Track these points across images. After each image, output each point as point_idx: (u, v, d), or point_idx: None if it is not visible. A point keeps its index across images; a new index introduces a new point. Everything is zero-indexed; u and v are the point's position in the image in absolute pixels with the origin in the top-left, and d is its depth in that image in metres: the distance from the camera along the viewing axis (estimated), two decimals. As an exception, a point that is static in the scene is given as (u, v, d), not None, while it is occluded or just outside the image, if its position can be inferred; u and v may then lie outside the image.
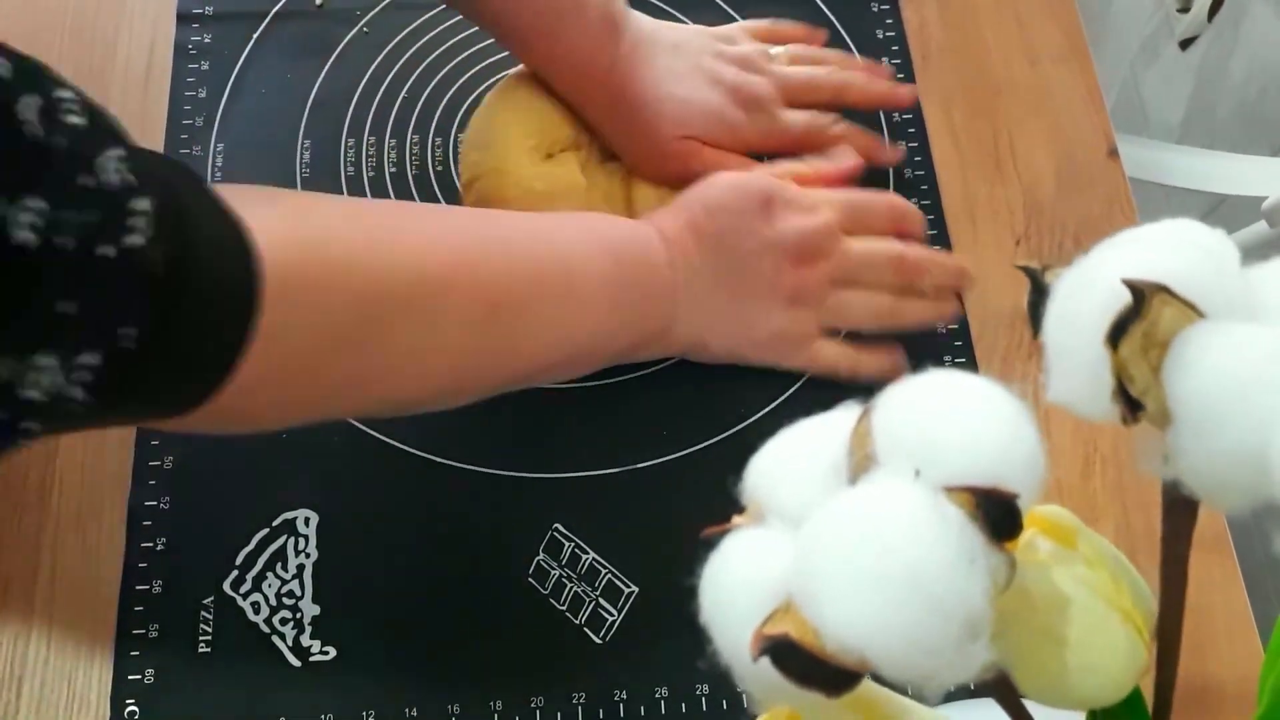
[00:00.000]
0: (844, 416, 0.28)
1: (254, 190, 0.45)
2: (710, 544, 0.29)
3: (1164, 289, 0.25)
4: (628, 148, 0.64)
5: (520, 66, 0.65)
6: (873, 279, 0.61)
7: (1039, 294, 0.28)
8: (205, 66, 0.70)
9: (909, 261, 0.61)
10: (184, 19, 0.71)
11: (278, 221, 0.42)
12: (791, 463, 0.29)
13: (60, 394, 0.34)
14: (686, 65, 0.63)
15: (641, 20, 0.63)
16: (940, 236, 0.67)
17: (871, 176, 0.68)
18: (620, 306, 0.56)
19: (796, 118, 0.65)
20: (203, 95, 0.69)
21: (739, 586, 0.27)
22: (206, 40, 0.71)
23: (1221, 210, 1.17)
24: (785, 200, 0.59)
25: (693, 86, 0.63)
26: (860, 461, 0.27)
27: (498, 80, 0.67)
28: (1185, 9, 1.29)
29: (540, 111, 0.63)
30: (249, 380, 0.41)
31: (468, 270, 0.49)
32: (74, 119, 0.34)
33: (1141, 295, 0.25)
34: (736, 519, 0.29)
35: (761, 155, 0.65)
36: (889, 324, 0.62)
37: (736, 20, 0.72)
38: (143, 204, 0.35)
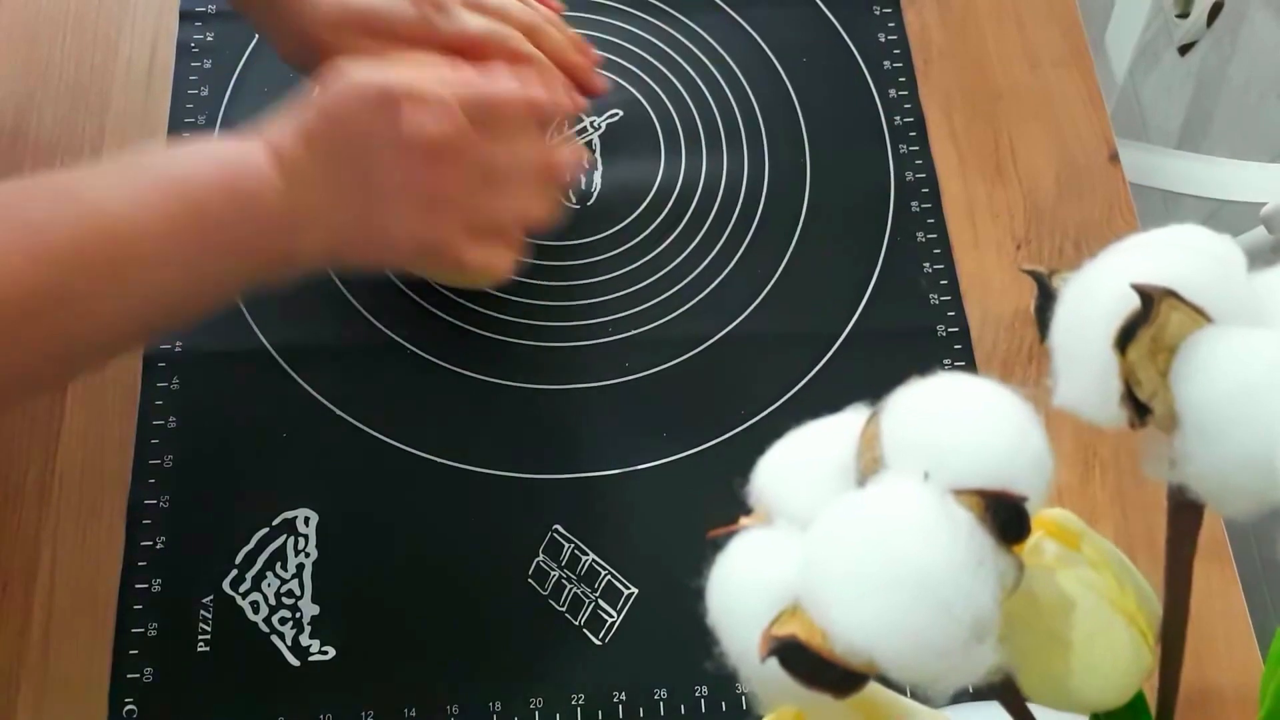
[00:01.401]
0: (853, 418, 0.28)
1: None
2: (716, 545, 0.29)
3: (1172, 294, 0.25)
4: (294, 50, 0.60)
5: None
6: (518, 179, 0.56)
7: (1046, 298, 0.28)
8: (208, 65, 0.70)
9: (552, 163, 0.57)
10: (187, 17, 0.71)
11: None
12: (800, 464, 0.29)
13: None
14: None
15: None
16: (941, 240, 0.67)
17: (872, 175, 0.69)
18: (207, 252, 0.51)
19: (475, 22, 0.60)
20: (205, 94, 0.69)
21: (746, 588, 0.28)
22: (209, 38, 0.71)
23: (1220, 216, 1.17)
24: (409, 96, 0.53)
25: None
26: (869, 463, 0.27)
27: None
28: (1184, 14, 1.29)
29: None
30: None
31: None
32: None
33: (1150, 300, 0.25)
34: (744, 520, 0.29)
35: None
36: (543, 222, 0.57)
37: (739, 21, 0.72)
38: None
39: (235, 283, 0.54)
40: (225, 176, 0.52)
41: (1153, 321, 0.25)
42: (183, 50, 0.70)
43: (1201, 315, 0.25)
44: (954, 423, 0.27)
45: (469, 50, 0.59)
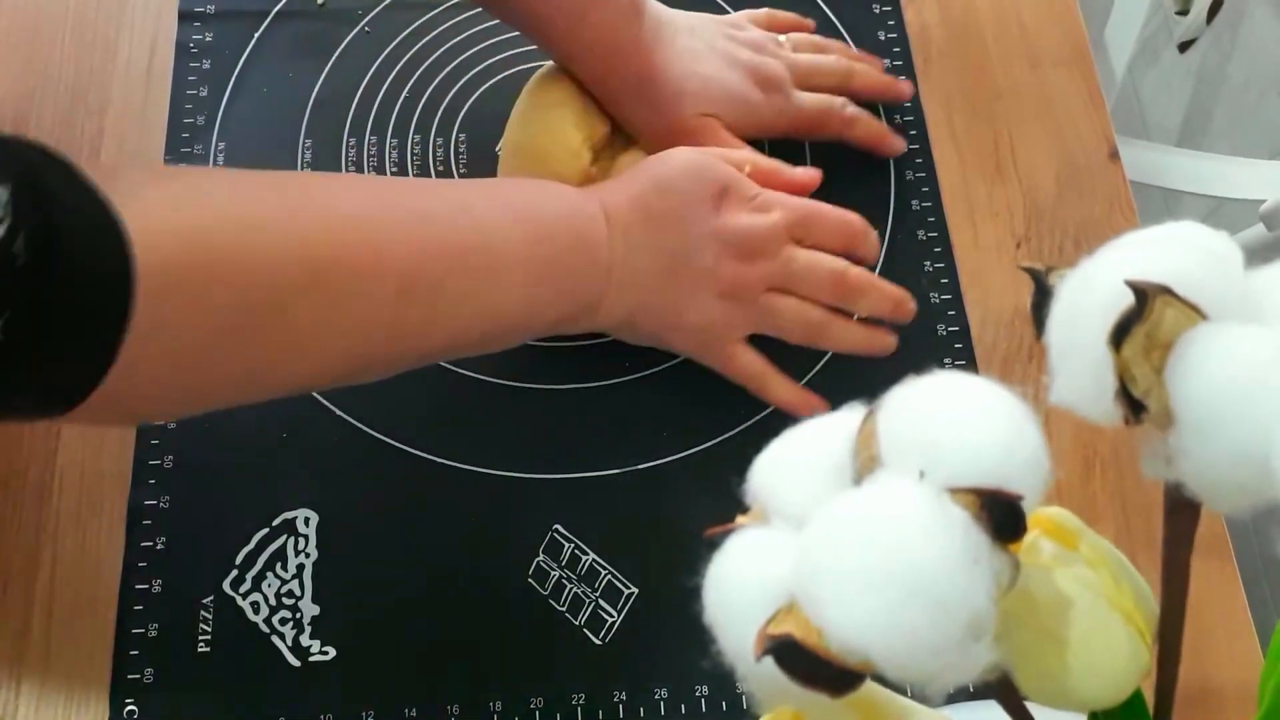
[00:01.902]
0: (849, 417, 0.28)
1: (142, 171, 0.44)
2: (713, 544, 0.29)
3: (1166, 290, 0.25)
4: (649, 127, 0.64)
5: (546, 65, 0.65)
6: (810, 291, 0.59)
7: (1042, 295, 0.28)
8: (207, 65, 0.70)
9: (849, 280, 0.60)
10: (185, 17, 0.71)
11: (158, 209, 0.41)
12: (796, 463, 0.29)
13: None
14: (705, 46, 0.64)
15: (658, 4, 0.64)
16: (941, 238, 0.67)
17: (873, 175, 0.69)
18: (545, 284, 0.54)
19: (810, 99, 0.66)
20: (204, 94, 0.69)
21: (743, 586, 0.28)
22: (208, 39, 0.71)
23: (1219, 213, 1.17)
24: (740, 193, 0.58)
25: (712, 65, 0.63)
26: (865, 462, 0.27)
27: (527, 79, 0.66)
28: (1184, 12, 1.29)
29: (583, 108, 0.63)
30: (130, 374, 0.39)
31: (373, 251, 0.47)
32: None
33: (1144, 296, 0.25)
34: (740, 519, 0.29)
35: (762, 143, 0.65)
36: (817, 341, 0.60)
37: (738, 22, 0.72)
38: (0, 194, 0.34)
39: (551, 320, 0.56)
40: (571, 217, 0.56)
41: (1147, 318, 0.25)
42: (182, 51, 0.70)
43: (1196, 312, 0.25)
44: (950, 421, 0.26)
45: (809, 126, 0.66)
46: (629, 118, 0.64)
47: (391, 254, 0.48)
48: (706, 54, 0.64)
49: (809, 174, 0.63)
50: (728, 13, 0.72)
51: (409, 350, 0.52)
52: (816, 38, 0.70)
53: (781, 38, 0.69)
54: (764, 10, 0.71)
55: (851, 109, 0.67)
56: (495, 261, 0.52)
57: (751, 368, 0.60)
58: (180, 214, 0.42)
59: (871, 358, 0.61)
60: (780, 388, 0.60)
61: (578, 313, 0.57)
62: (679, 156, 0.59)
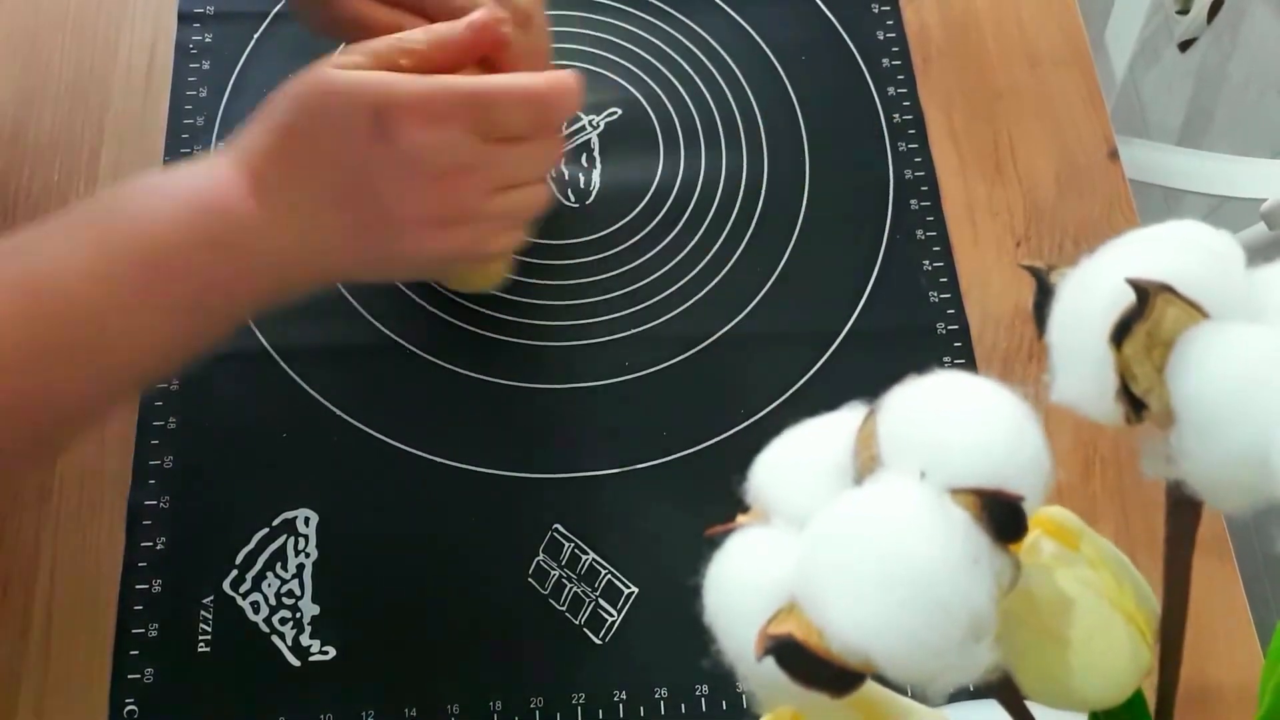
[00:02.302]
0: (849, 417, 0.28)
1: None
2: (714, 544, 0.29)
3: (1167, 288, 0.25)
4: (315, 20, 0.57)
5: None
6: (531, 173, 0.52)
7: (1044, 294, 0.28)
8: (206, 66, 0.70)
9: (561, 153, 0.53)
10: (185, 18, 0.71)
11: None
12: (797, 463, 0.29)
13: None
14: None
15: None
16: (941, 238, 0.67)
17: (871, 173, 0.69)
18: (190, 307, 0.48)
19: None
20: (204, 95, 0.69)
21: (743, 586, 0.27)
22: (208, 40, 0.71)
23: (1220, 212, 1.17)
24: (402, 110, 0.47)
25: None
26: (865, 462, 0.27)
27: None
28: (1184, 11, 1.29)
29: None
30: None
31: None
32: None
33: (1145, 294, 0.25)
34: (741, 518, 0.29)
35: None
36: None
37: (738, 20, 0.72)
38: None
39: (220, 325, 0.50)
40: (194, 220, 0.47)
41: (1148, 316, 0.25)
42: (181, 51, 0.70)
43: (1197, 310, 0.25)
44: (951, 421, 0.26)
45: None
46: (314, 23, 0.57)
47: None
48: None
49: (474, 25, 0.51)
50: (736, 19, 0.72)
51: (42, 447, 0.49)
52: None
53: None
54: None
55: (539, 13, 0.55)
56: (107, 331, 0.46)
57: (516, 235, 0.54)
58: None
59: (871, 357, 0.61)
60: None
61: (255, 304, 0.50)
62: (309, 86, 0.48)
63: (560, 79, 0.50)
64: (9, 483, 0.51)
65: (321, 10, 0.56)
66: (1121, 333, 0.25)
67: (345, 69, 0.48)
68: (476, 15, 0.51)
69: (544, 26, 0.57)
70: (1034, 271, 0.28)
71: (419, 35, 0.50)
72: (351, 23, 0.54)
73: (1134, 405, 0.26)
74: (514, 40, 0.52)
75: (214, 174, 0.48)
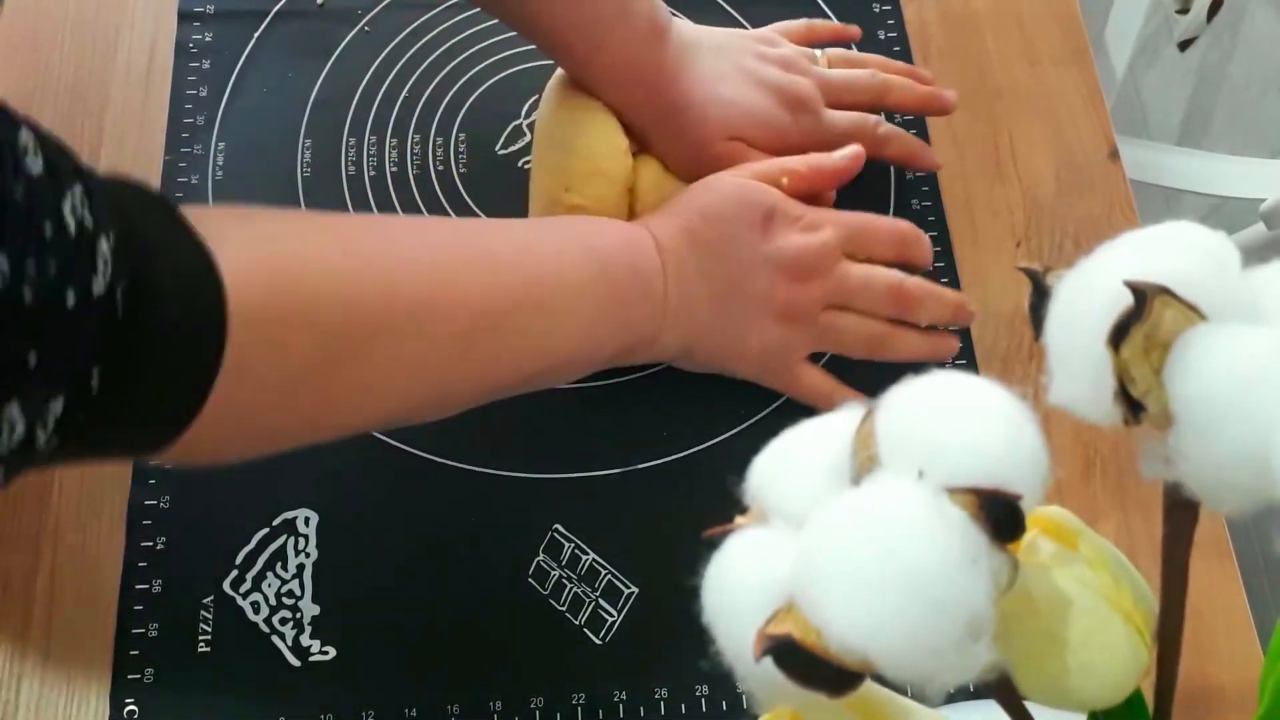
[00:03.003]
0: (847, 417, 0.28)
1: (224, 213, 0.44)
2: (712, 544, 0.29)
3: (1166, 291, 0.25)
4: (675, 152, 0.62)
5: (559, 73, 0.63)
6: (868, 306, 0.59)
7: (1040, 296, 0.28)
8: (206, 65, 0.70)
9: (906, 292, 0.59)
10: (185, 18, 0.71)
11: (245, 251, 0.42)
12: (795, 463, 0.29)
13: (29, 440, 0.34)
14: (730, 67, 0.62)
15: (684, 24, 0.63)
16: (941, 238, 0.67)
17: (872, 173, 0.68)
18: (605, 317, 0.55)
19: (841, 118, 0.64)
20: (204, 94, 0.69)
21: (741, 587, 0.28)
22: (208, 39, 0.71)
23: (1220, 212, 1.17)
24: (786, 215, 0.58)
25: (738, 88, 0.62)
26: (863, 462, 0.27)
27: (527, 79, 0.66)
28: (1184, 10, 1.29)
29: (613, 115, 0.62)
30: (217, 416, 0.40)
31: (444, 289, 0.48)
32: (33, 163, 0.33)
33: (1143, 297, 0.25)
34: (739, 519, 0.29)
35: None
36: (879, 354, 0.60)
37: (739, 21, 0.72)
38: (103, 246, 0.35)
39: (610, 353, 0.56)
40: (629, 251, 0.56)
41: (1146, 319, 0.25)
42: (181, 51, 0.70)
43: (1195, 312, 0.25)
44: (948, 421, 0.26)
45: (841, 146, 0.62)
46: (654, 143, 0.63)
47: (461, 294, 0.49)
48: (732, 75, 0.62)
49: (850, 156, 0.61)
50: (736, 19, 0.72)
51: (473, 388, 0.52)
52: (856, 54, 0.68)
53: (818, 53, 0.67)
54: (802, 22, 0.69)
55: (885, 127, 0.65)
56: (558, 297, 0.53)
57: (819, 387, 0.60)
58: (265, 259, 0.43)
59: (866, 358, 0.61)
60: (848, 397, 0.60)
61: (635, 345, 0.57)
62: (722, 183, 0.59)
63: (922, 234, 0.61)
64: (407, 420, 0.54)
65: (682, 149, 0.63)
66: (1119, 335, 0.25)
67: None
68: (856, 148, 0.61)
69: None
70: (1030, 273, 0.28)
71: (800, 161, 0.60)
72: (717, 161, 0.62)
73: (1132, 407, 0.26)
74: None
75: (634, 228, 0.58)
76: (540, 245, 0.54)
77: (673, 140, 0.62)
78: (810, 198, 0.60)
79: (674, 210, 0.58)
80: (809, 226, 0.58)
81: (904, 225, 0.61)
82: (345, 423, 0.49)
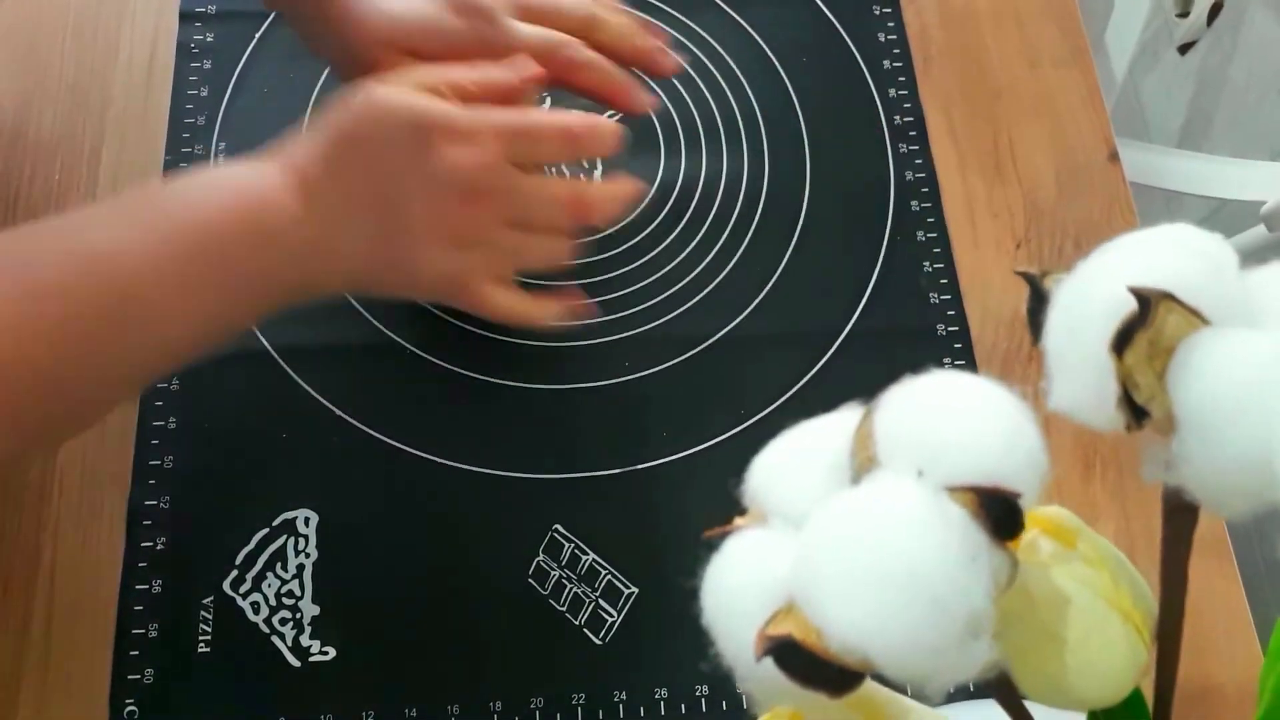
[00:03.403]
0: (846, 417, 0.28)
1: None
2: (712, 545, 0.29)
3: (1169, 296, 0.25)
4: (344, 68, 0.58)
5: None
6: (546, 220, 0.55)
7: (1038, 301, 0.28)
8: (208, 65, 0.70)
9: (585, 201, 0.55)
10: (186, 18, 0.71)
11: None
12: (794, 463, 0.29)
13: None
14: None
15: None
16: (941, 238, 0.67)
17: (872, 174, 0.69)
18: (224, 290, 0.50)
19: (527, 30, 0.57)
20: (205, 94, 0.69)
21: (741, 587, 0.28)
22: (209, 39, 0.71)
23: (1220, 214, 1.17)
24: (444, 129, 0.51)
25: None
26: (863, 462, 0.27)
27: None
28: (1184, 14, 1.29)
29: None
30: None
31: (13, 345, 0.44)
32: None
33: (1147, 302, 0.25)
34: (739, 520, 0.29)
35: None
36: (559, 263, 0.57)
37: (738, 21, 0.72)
38: None
39: (249, 314, 0.53)
40: (241, 208, 0.50)
41: (1150, 324, 0.25)
42: (182, 50, 0.70)
43: (1198, 317, 0.25)
44: (947, 420, 0.26)
45: None
46: (330, 61, 0.59)
47: (34, 348, 0.45)
48: None
49: (527, 72, 0.55)
50: (736, 20, 0.72)
51: (79, 414, 0.50)
52: None
53: None
54: None
55: (584, 53, 0.58)
56: (150, 306, 0.48)
57: (509, 308, 0.56)
58: None
59: (871, 358, 0.61)
60: (546, 310, 0.56)
61: (281, 299, 0.52)
62: (361, 99, 0.52)
63: (599, 122, 0.54)
64: (12, 468, 0.52)
65: (337, 53, 0.58)
66: (1123, 341, 0.25)
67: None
68: (527, 59, 0.55)
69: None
70: (1028, 278, 0.28)
71: (468, 73, 0.54)
72: (376, 67, 0.56)
73: (1135, 413, 0.26)
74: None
75: (262, 170, 0.52)
76: (119, 254, 0.48)
77: (339, 55, 0.58)
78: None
79: (313, 137, 0.52)
80: (470, 140, 0.51)
81: (571, 119, 0.55)
82: None
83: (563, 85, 0.58)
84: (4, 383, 0.44)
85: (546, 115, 0.56)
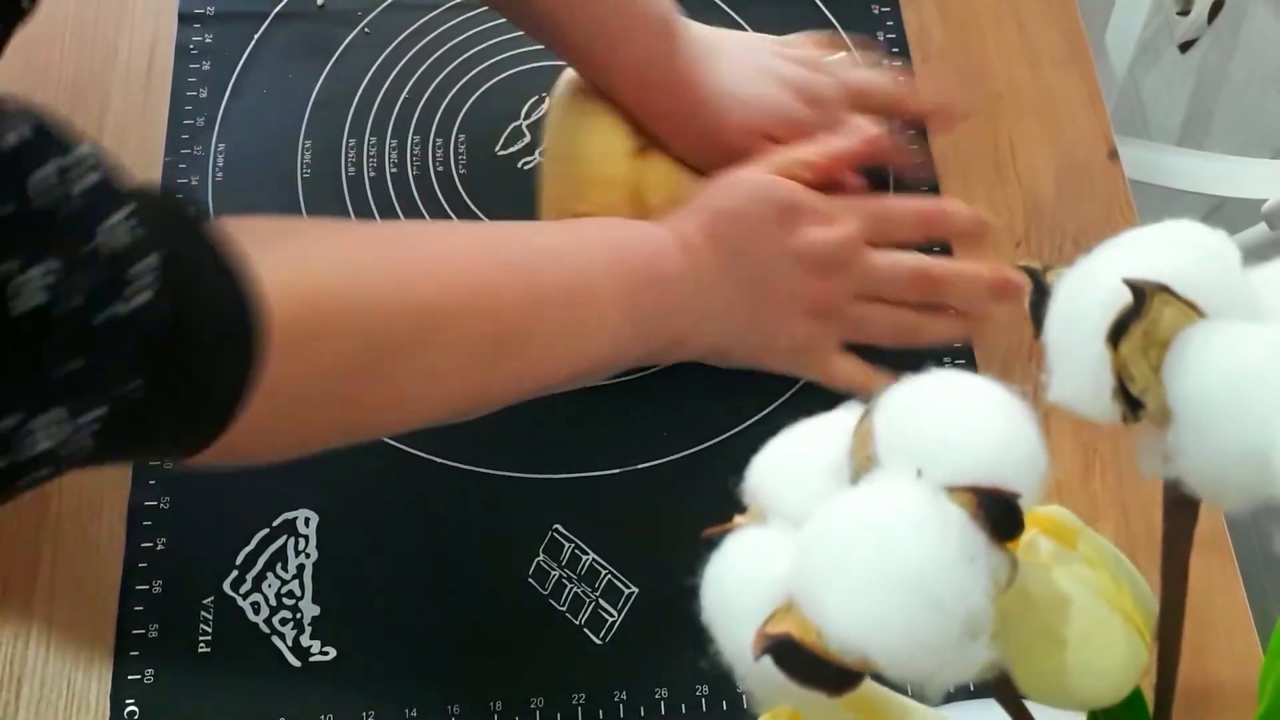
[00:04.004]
0: (846, 417, 0.29)
1: (263, 227, 0.46)
2: (712, 544, 0.29)
3: (1165, 288, 0.25)
4: (695, 151, 0.62)
5: (570, 72, 0.63)
6: (895, 294, 0.60)
7: (1040, 294, 0.28)
8: (206, 67, 0.70)
9: (932, 277, 0.60)
10: (185, 19, 0.71)
11: (283, 264, 0.43)
12: (793, 463, 0.29)
13: (69, 443, 0.35)
14: (749, 65, 0.63)
15: (698, 26, 0.63)
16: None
17: (872, 174, 0.68)
18: (633, 319, 0.54)
19: (862, 119, 0.63)
20: (204, 95, 0.69)
21: (741, 586, 0.28)
22: (208, 40, 0.71)
23: (1221, 212, 1.17)
24: (808, 209, 0.58)
25: (758, 85, 0.62)
26: (862, 461, 0.27)
27: (528, 80, 0.66)
28: (1185, 12, 1.29)
29: (620, 118, 0.62)
30: (252, 424, 0.42)
31: (474, 300, 0.49)
32: (88, 179, 0.35)
33: (1142, 295, 0.25)
34: (738, 519, 0.29)
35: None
36: (911, 341, 0.60)
37: (738, 22, 0.72)
38: (150, 260, 0.36)
39: (636, 356, 0.56)
40: (653, 257, 0.55)
41: (1145, 316, 0.25)
42: (181, 52, 0.70)
43: (1194, 310, 0.25)
44: (947, 419, 0.27)
45: None
46: (674, 144, 0.63)
47: (495, 304, 0.49)
48: (751, 73, 0.62)
49: (859, 132, 0.61)
50: (736, 19, 0.72)
51: (503, 393, 0.52)
52: (868, 62, 0.69)
53: (832, 56, 0.67)
54: (826, 33, 0.69)
55: (897, 137, 0.65)
56: (587, 305, 0.53)
57: (854, 376, 0.60)
58: (302, 273, 0.44)
59: (871, 358, 0.61)
60: (881, 383, 0.59)
61: (662, 349, 0.57)
62: (739, 181, 0.58)
63: (949, 206, 0.61)
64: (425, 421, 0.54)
65: (695, 138, 0.62)
66: (1118, 333, 0.25)
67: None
68: (868, 129, 0.61)
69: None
70: (1030, 272, 0.28)
71: (815, 149, 0.60)
72: (734, 154, 0.61)
73: (1131, 405, 0.26)
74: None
75: (652, 228, 0.57)
76: (570, 254, 0.54)
77: (692, 139, 0.62)
78: (835, 187, 0.60)
79: (693, 211, 0.58)
80: (829, 219, 0.58)
81: (924, 204, 0.61)
82: (378, 429, 0.51)
83: (881, 163, 0.65)
84: (466, 340, 0.48)
85: (900, 200, 0.62)
